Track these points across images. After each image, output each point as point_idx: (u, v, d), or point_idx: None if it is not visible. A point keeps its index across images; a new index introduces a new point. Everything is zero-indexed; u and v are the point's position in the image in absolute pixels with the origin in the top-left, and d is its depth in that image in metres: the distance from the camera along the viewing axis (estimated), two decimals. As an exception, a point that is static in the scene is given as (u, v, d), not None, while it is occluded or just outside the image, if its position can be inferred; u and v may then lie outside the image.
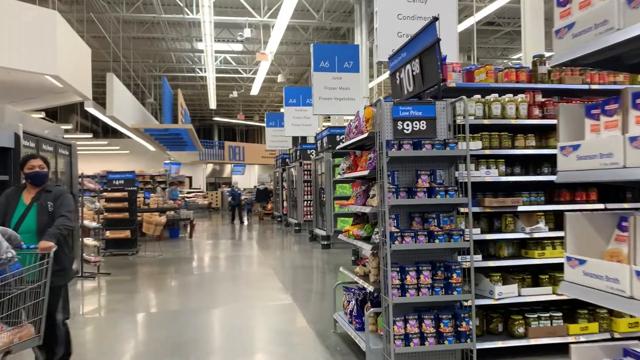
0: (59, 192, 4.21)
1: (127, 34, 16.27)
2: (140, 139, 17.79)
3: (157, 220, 11.90)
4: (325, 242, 12.56)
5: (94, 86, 10.31)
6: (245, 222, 21.13)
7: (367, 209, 4.67)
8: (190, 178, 34.01)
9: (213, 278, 9.17)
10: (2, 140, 6.02)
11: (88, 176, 10.06)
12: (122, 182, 12.51)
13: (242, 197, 22.30)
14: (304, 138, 18.58)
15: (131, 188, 12.42)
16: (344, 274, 5.50)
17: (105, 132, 30.69)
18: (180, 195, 20.37)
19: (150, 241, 12.11)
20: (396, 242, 4.14)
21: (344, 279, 5.74)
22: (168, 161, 27.74)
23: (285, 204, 20.37)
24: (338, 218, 12.50)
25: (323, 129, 13.73)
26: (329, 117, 23.76)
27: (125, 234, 12.18)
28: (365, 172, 4.68)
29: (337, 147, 6.12)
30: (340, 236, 5.63)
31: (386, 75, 18.96)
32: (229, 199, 21.73)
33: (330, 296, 6.75)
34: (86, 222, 9.10)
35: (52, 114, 26.79)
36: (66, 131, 24.18)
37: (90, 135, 22.02)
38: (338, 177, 5.73)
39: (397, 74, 5.31)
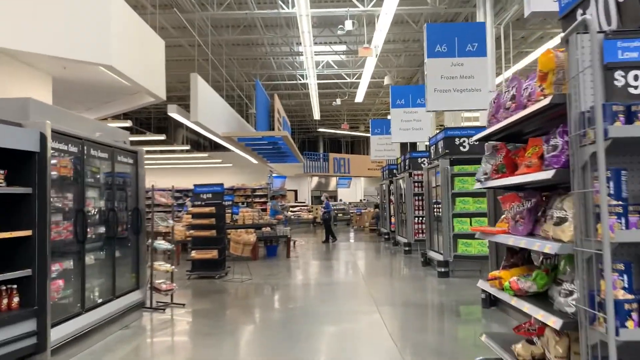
0: None
1: (222, 37, 15.26)
2: (238, 150, 16.69)
3: (246, 239, 10.38)
4: (443, 270, 10.24)
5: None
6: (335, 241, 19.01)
7: (543, 245, 2.50)
8: (295, 192, 33.07)
9: (303, 317, 7.32)
10: (23, 141, 4.64)
11: (161, 189, 8.73)
12: (210, 195, 11.20)
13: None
14: (413, 145, 16.37)
15: (218, 202, 11.06)
16: (489, 347, 3.32)
17: (216, 147, 30.69)
18: (281, 208, 19.06)
19: (243, 261, 10.61)
20: (629, 324, 1.93)
21: (488, 354, 3.55)
22: (274, 174, 26.84)
23: (392, 219, 18.25)
24: (458, 240, 10.15)
25: (437, 131, 11.47)
26: (442, 116, 21.29)
27: (212, 254, 10.81)
28: (545, 175, 2.50)
29: (476, 137, 3.99)
30: (483, 284, 3.47)
31: (522, 64, 16.15)
32: (322, 213, 19.81)
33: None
34: (156, 244, 7.72)
35: (161, 129, 27.14)
36: (167, 144, 24.18)
37: (187, 147, 21.54)
38: (477, 185, 3.71)
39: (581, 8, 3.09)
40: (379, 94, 24.92)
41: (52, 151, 4.97)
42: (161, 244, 7.85)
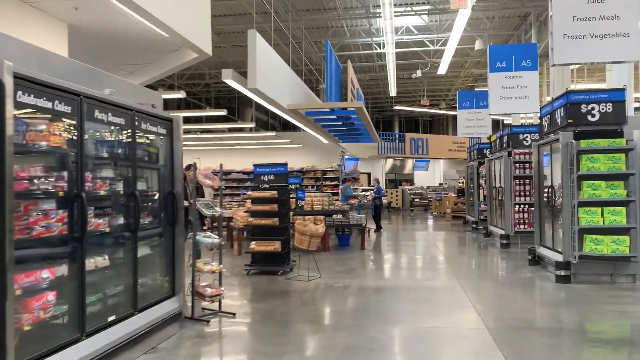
0: None
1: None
2: (307, 127, 14.91)
3: (313, 230, 8.59)
4: (562, 273, 7.96)
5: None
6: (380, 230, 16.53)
7: None
8: (368, 175, 31.03)
9: (382, 344, 5.42)
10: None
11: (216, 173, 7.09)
12: (272, 177, 9.50)
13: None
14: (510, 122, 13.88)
15: (282, 185, 9.34)
16: None
17: (285, 128, 29.19)
18: (354, 193, 17.19)
19: (312, 253, 8.85)
20: None
21: None
22: (346, 156, 24.96)
23: (482, 206, 15.86)
24: (585, 236, 7.82)
25: (552, 98, 9.09)
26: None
27: (274, 246, 9.14)
28: None
29: None
30: None
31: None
32: (372, 199, 17.37)
33: None
34: (199, 237, 6.07)
35: (231, 111, 25.96)
36: (239, 130, 22.83)
37: (252, 125, 20.05)
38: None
39: None
40: (465, 64, 22.23)
41: (27, 111, 3.37)
42: (206, 237, 6.20)
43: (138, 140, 5.00)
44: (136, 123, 4.94)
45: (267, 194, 9.30)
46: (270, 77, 9.46)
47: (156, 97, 5.58)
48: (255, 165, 9.67)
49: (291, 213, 10.13)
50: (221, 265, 6.37)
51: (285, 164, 9.35)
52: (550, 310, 6.36)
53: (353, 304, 6.95)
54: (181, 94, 11.92)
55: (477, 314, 6.20)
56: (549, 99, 11.07)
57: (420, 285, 8.11)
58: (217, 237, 6.33)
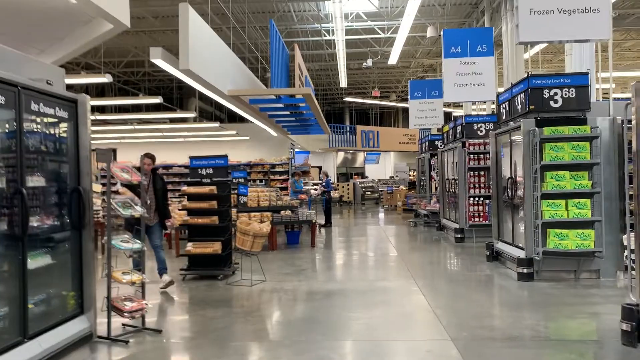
0: None
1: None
2: (253, 117, 13.94)
3: (257, 229, 7.70)
4: (525, 271, 7.44)
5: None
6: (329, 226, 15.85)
7: None
8: (319, 168, 30.30)
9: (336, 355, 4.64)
10: None
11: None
12: (211, 171, 8.54)
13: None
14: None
15: (222, 180, 8.40)
16: None
17: (232, 119, 27.94)
18: (304, 187, 16.35)
19: (257, 254, 7.95)
20: None
21: None
22: (296, 149, 24.09)
23: (434, 199, 15.42)
24: (549, 230, 7.31)
25: (512, 84, 8.58)
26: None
27: (214, 247, 8.20)
28: None
29: None
30: None
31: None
32: (321, 193, 16.69)
33: None
34: (115, 242, 5.07)
35: (172, 101, 24.53)
36: (182, 120, 21.51)
37: (193, 115, 18.83)
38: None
39: None
40: (415, 53, 21.76)
41: None
42: (124, 242, 5.20)
43: (28, 124, 3.97)
44: (23, 102, 3.91)
45: (205, 189, 8.34)
46: (207, 59, 8.46)
47: (55, 72, 4.56)
48: (192, 158, 8.69)
49: (236, 210, 9.23)
50: (144, 275, 5.40)
51: (225, 156, 8.41)
52: (518, 315, 5.76)
53: (301, 313, 6.13)
54: (106, 78, 10.67)
55: (439, 321, 5.52)
56: (500, 90, 10.58)
57: (374, 287, 7.39)
58: (139, 241, 5.35)
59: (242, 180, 10.37)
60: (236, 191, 8.68)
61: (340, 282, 7.90)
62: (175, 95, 24.16)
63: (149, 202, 6.84)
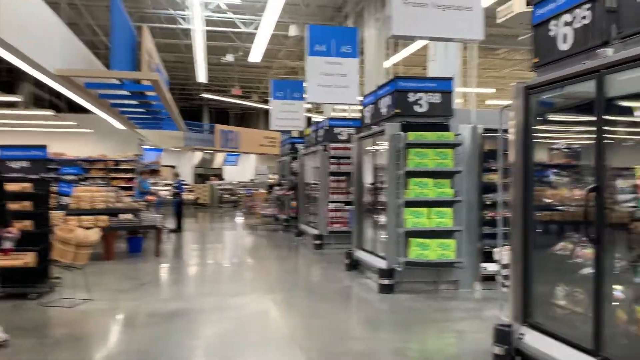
0: None
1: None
2: (94, 107, 12.10)
3: (81, 237, 6.30)
4: (386, 282, 7.03)
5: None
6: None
7: None
8: (173, 168, 28.35)
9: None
10: None
11: None
12: (26, 164, 6.91)
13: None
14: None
15: (38, 176, 6.81)
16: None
17: (72, 108, 24.80)
18: (152, 188, 14.73)
19: (92, 263, 6.47)
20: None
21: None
22: (147, 146, 22.03)
23: (293, 204, 14.87)
24: (411, 240, 6.98)
25: (379, 86, 8.24)
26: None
27: (25, 259, 6.58)
28: None
29: None
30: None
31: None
32: (171, 196, 15.20)
33: None
34: None
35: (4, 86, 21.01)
36: (9, 104, 18.33)
37: (19, 98, 16.20)
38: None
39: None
40: (278, 53, 21.13)
41: None
42: None
43: None
44: None
45: (16, 187, 6.69)
46: (27, 27, 6.85)
47: None
48: (1, 147, 6.96)
49: (63, 213, 7.65)
50: None
51: (44, 147, 6.88)
52: (384, 337, 5.21)
53: (132, 346, 4.96)
54: None
55: (300, 350, 4.75)
56: (360, 98, 10.28)
57: (226, 305, 6.43)
58: None
59: (74, 177, 8.75)
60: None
61: (187, 299, 6.82)
62: (6, 79, 20.71)
63: None
